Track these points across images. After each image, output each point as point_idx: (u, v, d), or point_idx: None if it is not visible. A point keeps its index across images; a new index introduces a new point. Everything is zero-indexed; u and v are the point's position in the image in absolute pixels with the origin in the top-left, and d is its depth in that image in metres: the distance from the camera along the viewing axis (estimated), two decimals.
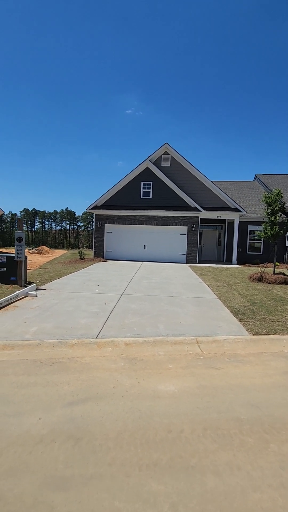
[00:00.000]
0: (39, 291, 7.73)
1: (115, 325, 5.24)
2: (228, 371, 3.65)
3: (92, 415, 2.63)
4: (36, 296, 7.21)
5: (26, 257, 9.27)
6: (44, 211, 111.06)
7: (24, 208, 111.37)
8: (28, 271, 12.66)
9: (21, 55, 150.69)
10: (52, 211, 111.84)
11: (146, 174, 18.04)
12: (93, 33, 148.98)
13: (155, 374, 3.51)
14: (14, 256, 8.45)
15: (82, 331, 4.88)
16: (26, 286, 8.10)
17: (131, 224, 18.16)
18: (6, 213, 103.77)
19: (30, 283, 9.10)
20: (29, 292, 7.28)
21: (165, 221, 17.84)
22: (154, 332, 4.93)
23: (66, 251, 34.79)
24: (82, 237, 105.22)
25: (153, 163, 17.98)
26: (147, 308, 6.42)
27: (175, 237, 17.84)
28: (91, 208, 18.42)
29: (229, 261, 18.43)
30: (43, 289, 8.09)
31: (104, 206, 18.32)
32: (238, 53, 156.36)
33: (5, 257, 8.57)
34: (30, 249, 33.59)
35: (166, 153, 18.13)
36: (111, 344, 4.42)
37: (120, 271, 12.72)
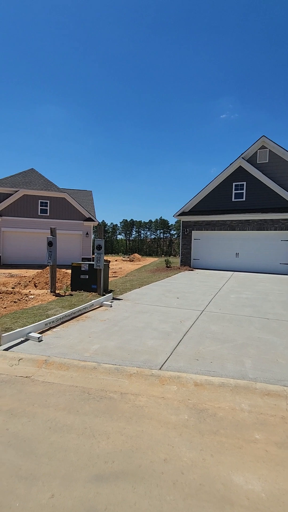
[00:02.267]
0: (115, 301, 7.42)
1: (187, 353, 4.22)
2: None
3: (121, 510, 1.75)
4: (111, 306, 6.89)
5: (107, 264, 9.27)
6: (140, 221, 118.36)
7: (123, 219, 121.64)
8: (114, 278, 12.92)
9: (123, 75, 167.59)
10: (147, 221, 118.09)
11: (239, 173, 16.19)
12: (186, 45, 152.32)
13: (231, 447, 2.34)
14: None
15: (145, 356, 4.08)
16: (104, 295, 7.95)
17: (221, 230, 16.57)
18: (108, 224, 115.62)
19: (110, 291, 9.01)
20: (104, 302, 7.03)
21: (261, 226, 15.48)
22: (238, 371, 3.67)
23: (156, 259, 35.38)
24: (174, 244, 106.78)
25: (247, 160, 15.99)
26: (231, 333, 5.12)
27: (274, 244, 15.21)
28: (178, 215, 17.78)
29: None
30: (119, 299, 7.76)
31: (192, 212, 17.38)
32: None
33: (87, 265, 8.72)
34: (124, 257, 35.68)
35: (263, 147, 15.85)
36: (177, 381, 3.44)
37: (205, 282, 11.46)
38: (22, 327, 5.07)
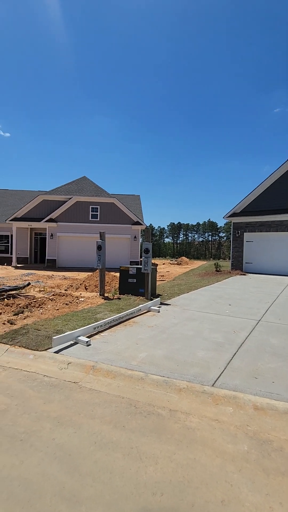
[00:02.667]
0: (162, 306, 7.20)
1: (243, 369, 3.77)
2: None
3: None
4: (158, 312, 6.68)
5: (154, 268, 9.12)
6: (188, 224, 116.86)
7: (170, 222, 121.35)
8: (161, 282, 12.73)
9: (172, 84, 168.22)
10: (195, 223, 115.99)
11: None
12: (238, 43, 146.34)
13: None
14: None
15: (196, 369, 3.76)
16: (152, 300, 7.78)
17: (277, 231, 15.23)
18: (155, 227, 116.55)
19: (158, 295, 8.82)
20: (152, 307, 6.85)
21: None
22: None
23: (204, 262, 34.28)
24: (224, 247, 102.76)
25: None
26: None
27: None
28: (229, 216, 16.88)
29: None
30: (167, 304, 7.51)
31: (243, 212, 16.34)
32: None
33: (135, 269, 8.67)
34: (171, 260, 35.34)
35: None
36: (233, 401, 3.05)
37: (260, 288, 10.55)
38: (72, 330, 5.15)
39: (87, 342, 4.59)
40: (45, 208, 21.26)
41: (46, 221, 20.70)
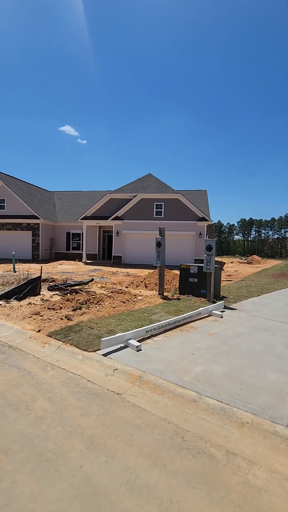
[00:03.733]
0: (226, 311, 6.36)
1: None
2: None
3: None
4: (221, 317, 5.89)
5: (219, 267, 8.24)
6: (260, 220, 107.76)
7: (241, 218, 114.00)
8: (228, 282, 11.63)
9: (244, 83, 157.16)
10: (269, 219, 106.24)
11: None
12: None
13: None
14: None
15: (265, 397, 2.97)
16: (215, 302, 6.99)
17: None
18: (224, 224, 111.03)
19: (222, 298, 7.95)
20: (214, 311, 6.09)
21: None
22: None
23: (279, 262, 30.74)
24: None
25: None
26: None
27: None
28: None
29: None
30: (232, 309, 6.62)
31: None
32: None
33: (196, 267, 7.97)
34: (240, 259, 32.79)
35: None
36: None
37: None
38: (124, 331, 4.86)
39: (137, 347, 4.20)
40: (112, 206, 22.04)
41: (112, 219, 21.43)
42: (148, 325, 5.22)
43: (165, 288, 9.29)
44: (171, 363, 3.78)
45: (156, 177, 23.17)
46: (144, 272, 16.58)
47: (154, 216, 21.35)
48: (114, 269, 17.54)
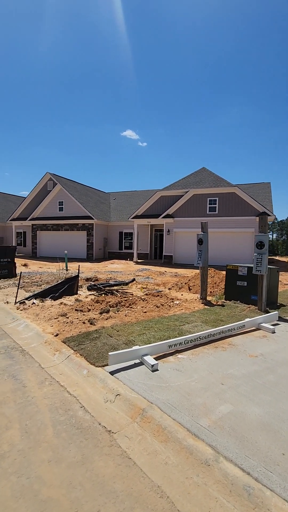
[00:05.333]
0: (281, 324, 5.05)
1: None
2: None
3: None
4: (272, 333, 4.64)
5: (276, 269, 6.79)
6: None
7: None
8: None
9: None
10: None
11: None
12: None
13: None
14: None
15: None
16: (268, 312, 5.69)
17: None
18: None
19: (280, 306, 6.53)
20: (263, 324, 4.85)
21: None
22: None
23: None
24: None
25: None
26: None
27: None
28: None
29: None
30: None
31: None
32: None
33: (246, 269, 6.70)
34: None
35: None
36: None
37: None
38: (145, 343, 4.10)
39: (152, 366, 3.40)
40: (163, 204, 21.32)
41: (163, 217, 20.70)
42: (176, 337, 4.36)
43: (210, 292, 8.18)
44: (190, 393, 2.87)
45: (210, 170, 21.60)
46: (195, 272, 15.44)
47: (207, 212, 19.87)
48: (163, 269, 16.81)
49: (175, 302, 6.73)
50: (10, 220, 27.01)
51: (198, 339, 4.13)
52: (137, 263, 20.97)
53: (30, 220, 25.52)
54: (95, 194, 29.42)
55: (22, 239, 28.31)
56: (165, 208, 21.18)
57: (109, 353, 3.46)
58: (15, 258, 13.24)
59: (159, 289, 8.88)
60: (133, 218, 21.93)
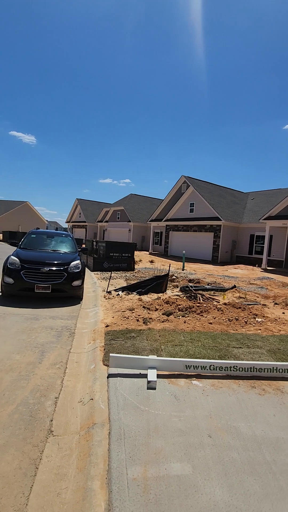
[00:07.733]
0: None
1: None
2: None
3: None
4: None
5: None
6: None
7: None
8: None
9: None
10: None
11: None
12: None
13: None
14: None
15: None
16: None
17: None
18: None
19: None
20: None
21: None
22: None
23: None
24: None
25: None
26: None
27: None
28: None
29: None
30: None
31: None
32: None
33: None
34: None
35: None
36: None
37: None
38: (173, 356, 3.59)
39: (149, 382, 2.93)
40: None
41: None
42: (215, 359, 3.53)
43: None
44: (158, 430, 2.26)
45: None
46: None
47: None
48: None
49: (256, 319, 5.42)
50: (149, 221, 30.16)
51: (232, 369, 3.16)
52: (265, 270, 18.36)
53: (164, 221, 27.53)
54: (229, 194, 28.04)
55: (159, 238, 30.96)
56: None
57: (110, 354, 3.25)
58: (135, 253, 14.70)
59: (256, 301, 7.40)
60: (265, 219, 19.32)
